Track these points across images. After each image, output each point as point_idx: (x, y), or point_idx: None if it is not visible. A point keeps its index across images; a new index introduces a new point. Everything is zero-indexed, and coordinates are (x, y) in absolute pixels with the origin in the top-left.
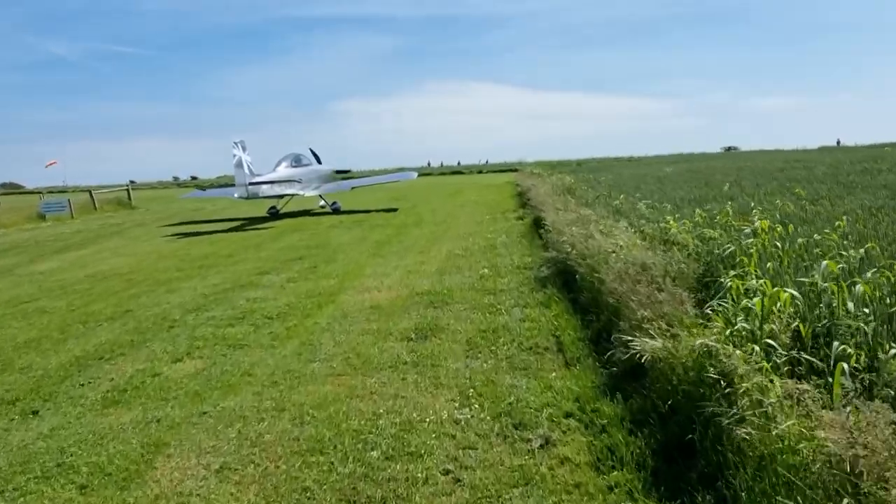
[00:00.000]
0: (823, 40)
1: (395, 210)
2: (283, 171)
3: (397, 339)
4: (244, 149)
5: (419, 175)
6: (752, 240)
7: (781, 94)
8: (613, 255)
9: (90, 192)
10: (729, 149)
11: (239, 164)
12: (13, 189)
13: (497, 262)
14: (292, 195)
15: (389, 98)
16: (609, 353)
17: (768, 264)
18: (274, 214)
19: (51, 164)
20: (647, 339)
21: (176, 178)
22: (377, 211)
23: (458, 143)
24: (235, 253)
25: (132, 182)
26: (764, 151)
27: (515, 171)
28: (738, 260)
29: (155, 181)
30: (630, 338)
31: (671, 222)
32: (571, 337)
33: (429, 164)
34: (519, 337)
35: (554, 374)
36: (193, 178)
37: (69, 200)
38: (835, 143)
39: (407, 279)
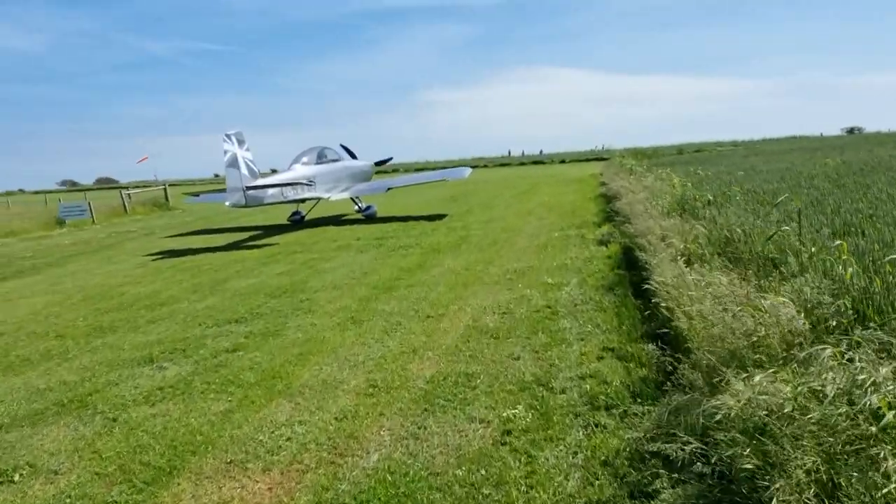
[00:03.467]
0: None
1: (442, 217)
2: (299, 170)
3: None
4: (241, 143)
5: (484, 168)
6: None
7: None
8: None
9: (121, 192)
10: (851, 130)
11: (233, 163)
12: (107, 184)
13: (552, 364)
14: (317, 199)
15: (471, 87)
16: None
17: None
18: (296, 221)
19: (142, 160)
20: None
21: None
22: (418, 219)
23: (540, 130)
24: (175, 298)
25: (216, 175)
26: None
27: (604, 159)
28: None
29: None
30: None
31: None
32: None
33: (509, 154)
34: None
35: None
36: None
37: (90, 204)
38: None
39: (355, 420)
